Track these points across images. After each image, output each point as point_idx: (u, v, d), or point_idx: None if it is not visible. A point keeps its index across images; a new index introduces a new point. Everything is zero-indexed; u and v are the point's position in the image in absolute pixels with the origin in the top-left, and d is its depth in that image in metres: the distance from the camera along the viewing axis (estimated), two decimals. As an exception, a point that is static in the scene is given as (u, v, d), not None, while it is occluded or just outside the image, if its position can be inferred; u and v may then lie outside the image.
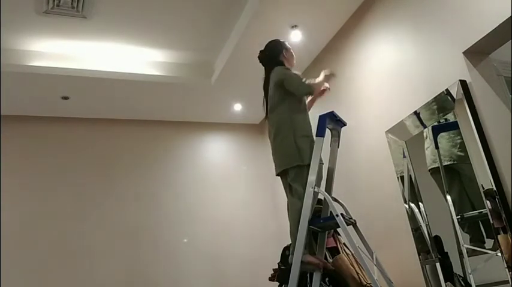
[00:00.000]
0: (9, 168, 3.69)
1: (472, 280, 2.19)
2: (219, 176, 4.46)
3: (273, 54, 2.59)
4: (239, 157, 4.65)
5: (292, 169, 2.35)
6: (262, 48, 2.64)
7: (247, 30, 3.20)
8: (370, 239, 2.36)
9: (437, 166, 2.46)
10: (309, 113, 2.53)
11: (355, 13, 3.19)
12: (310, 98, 2.57)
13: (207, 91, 4.02)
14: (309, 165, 2.30)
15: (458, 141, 2.34)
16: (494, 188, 2.06)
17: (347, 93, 3.30)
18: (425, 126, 2.51)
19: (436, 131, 2.46)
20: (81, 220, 3.77)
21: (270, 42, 2.67)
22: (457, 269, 2.30)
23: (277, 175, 2.48)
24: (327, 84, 2.52)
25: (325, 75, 2.48)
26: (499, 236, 2.05)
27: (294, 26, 3.25)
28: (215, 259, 4.06)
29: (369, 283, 2.39)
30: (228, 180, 4.48)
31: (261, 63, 2.66)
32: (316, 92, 2.47)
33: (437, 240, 2.43)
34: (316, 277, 2.30)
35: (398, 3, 2.75)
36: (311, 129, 2.48)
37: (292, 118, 2.39)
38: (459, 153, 2.36)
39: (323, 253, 2.46)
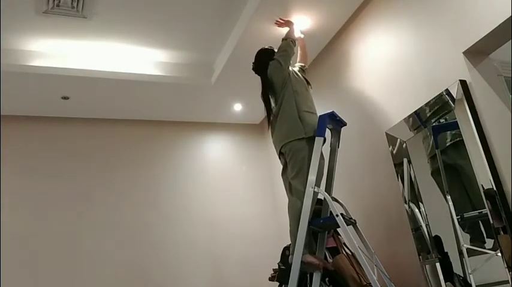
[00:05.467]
0: (9, 168, 3.69)
1: (472, 280, 2.19)
2: (219, 176, 4.46)
3: (265, 60, 2.68)
4: (239, 157, 4.65)
5: (293, 143, 2.36)
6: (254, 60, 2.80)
7: (247, 30, 3.20)
8: (370, 239, 2.37)
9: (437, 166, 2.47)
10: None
11: (355, 13, 3.19)
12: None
13: (207, 91, 4.02)
14: (310, 138, 2.32)
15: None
16: (494, 188, 2.05)
17: (347, 93, 3.30)
18: (425, 126, 2.51)
19: (436, 131, 2.46)
20: (81, 219, 3.77)
21: (258, 52, 2.78)
22: (457, 269, 2.30)
23: (279, 154, 2.50)
24: (301, 35, 3.13)
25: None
26: (499, 236, 2.05)
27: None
28: (215, 259, 4.06)
29: (368, 283, 2.39)
30: (228, 180, 4.47)
31: (256, 74, 2.73)
32: (292, 35, 2.85)
33: (437, 240, 2.43)
34: (316, 277, 2.31)
35: (398, 3, 2.75)
36: (314, 107, 2.54)
37: (295, 97, 2.51)
38: None
39: (323, 253, 2.46)
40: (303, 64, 2.94)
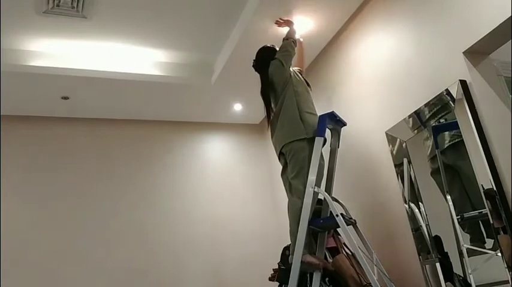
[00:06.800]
0: (9, 168, 3.69)
1: (472, 280, 2.19)
2: (219, 176, 4.45)
3: (266, 58, 2.67)
4: (239, 157, 4.65)
5: (294, 143, 2.35)
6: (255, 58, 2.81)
7: (247, 30, 3.20)
8: (370, 239, 2.37)
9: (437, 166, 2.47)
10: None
11: (355, 13, 3.19)
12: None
13: (207, 91, 4.02)
14: (311, 139, 2.32)
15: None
16: (494, 188, 2.05)
17: (347, 93, 3.30)
18: (425, 126, 2.51)
19: (436, 131, 2.46)
20: (81, 219, 3.77)
21: (259, 50, 2.77)
22: (457, 269, 2.30)
23: (279, 154, 2.49)
24: (300, 39, 3.14)
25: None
26: (499, 236, 2.05)
27: (294, 26, 3.25)
28: (215, 259, 4.06)
29: (368, 283, 2.39)
30: (227, 180, 4.47)
31: (256, 72, 2.72)
32: (293, 35, 2.87)
33: (437, 240, 2.43)
34: (316, 277, 2.31)
35: (398, 3, 2.75)
36: (315, 108, 2.54)
37: (296, 98, 2.51)
38: None
39: (323, 253, 2.46)
40: (299, 68, 2.94)
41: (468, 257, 2.24)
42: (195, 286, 3.90)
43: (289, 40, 2.75)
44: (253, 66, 2.77)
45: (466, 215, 2.29)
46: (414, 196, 2.58)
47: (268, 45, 2.80)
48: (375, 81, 2.97)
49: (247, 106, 4.36)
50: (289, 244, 2.46)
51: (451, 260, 2.35)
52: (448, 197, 2.37)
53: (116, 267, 3.71)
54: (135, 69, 3.67)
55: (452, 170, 2.40)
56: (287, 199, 2.44)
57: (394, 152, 2.74)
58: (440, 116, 2.41)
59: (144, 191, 4.09)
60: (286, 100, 2.50)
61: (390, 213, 2.82)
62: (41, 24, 3.14)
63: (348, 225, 2.19)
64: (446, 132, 2.42)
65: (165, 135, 4.41)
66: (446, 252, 2.39)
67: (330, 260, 2.59)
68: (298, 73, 2.75)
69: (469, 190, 2.28)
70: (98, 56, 3.57)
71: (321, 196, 2.36)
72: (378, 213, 2.92)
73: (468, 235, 2.28)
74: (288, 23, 3.02)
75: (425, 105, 2.46)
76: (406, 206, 2.63)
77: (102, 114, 4.18)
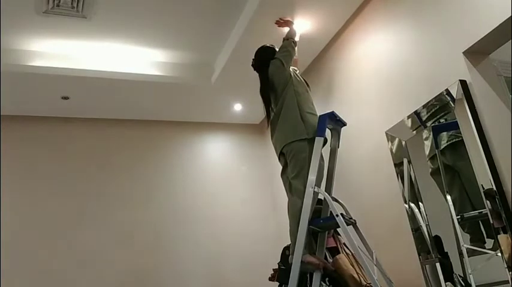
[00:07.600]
0: (9, 168, 3.69)
1: (472, 280, 2.19)
2: (219, 176, 4.46)
3: (265, 58, 2.66)
4: (239, 157, 4.65)
5: (295, 143, 2.35)
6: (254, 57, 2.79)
7: (247, 30, 3.20)
8: (370, 239, 2.36)
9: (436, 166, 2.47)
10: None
11: (355, 13, 3.19)
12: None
13: (207, 91, 4.02)
14: (312, 139, 2.32)
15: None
16: (494, 188, 2.05)
17: (347, 93, 3.30)
18: (425, 127, 2.51)
19: (436, 131, 2.46)
20: (81, 220, 3.77)
21: (259, 49, 2.76)
22: (457, 269, 2.30)
23: (279, 154, 2.48)
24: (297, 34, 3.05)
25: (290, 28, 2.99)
26: (499, 236, 2.05)
27: (294, 26, 3.25)
28: (215, 259, 4.06)
29: (369, 283, 2.39)
30: (228, 180, 4.47)
31: (255, 71, 2.72)
32: (293, 35, 2.89)
33: (437, 240, 2.43)
34: (316, 277, 2.31)
35: (398, 3, 2.75)
36: (315, 108, 2.54)
37: (297, 98, 2.50)
38: None
39: (323, 253, 2.46)
40: (295, 68, 2.93)
41: (468, 257, 2.24)
42: (195, 285, 3.90)
43: (290, 40, 2.75)
44: (252, 65, 2.76)
45: (466, 215, 2.29)
46: (414, 196, 2.58)
47: (268, 44, 2.79)
48: (375, 81, 2.97)
49: (247, 106, 4.36)
50: (289, 244, 2.46)
51: (451, 260, 2.35)
52: (448, 197, 2.37)
53: (115, 267, 3.71)
54: (135, 69, 3.67)
55: (452, 170, 2.40)
56: (287, 199, 2.44)
57: (394, 152, 2.74)
58: (440, 116, 2.41)
59: (143, 191, 4.09)
60: (287, 100, 2.50)
61: (390, 213, 2.82)
62: (41, 24, 3.14)
63: (348, 225, 2.19)
64: (445, 132, 2.42)
65: (165, 136, 4.40)
66: (446, 252, 2.39)
67: (330, 260, 2.58)
68: (297, 73, 2.75)
69: (469, 190, 2.28)
70: (98, 56, 3.57)
71: (321, 196, 2.36)
72: (378, 213, 2.92)
73: (468, 235, 2.28)
74: (288, 23, 3.02)
75: (425, 105, 2.46)
76: (406, 206, 2.63)
77: (102, 114, 4.18)
